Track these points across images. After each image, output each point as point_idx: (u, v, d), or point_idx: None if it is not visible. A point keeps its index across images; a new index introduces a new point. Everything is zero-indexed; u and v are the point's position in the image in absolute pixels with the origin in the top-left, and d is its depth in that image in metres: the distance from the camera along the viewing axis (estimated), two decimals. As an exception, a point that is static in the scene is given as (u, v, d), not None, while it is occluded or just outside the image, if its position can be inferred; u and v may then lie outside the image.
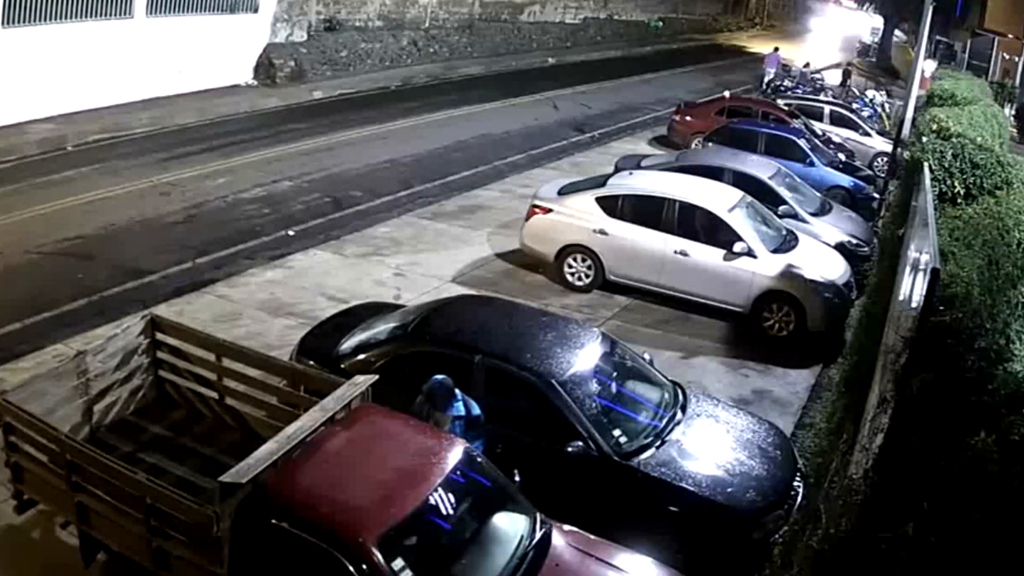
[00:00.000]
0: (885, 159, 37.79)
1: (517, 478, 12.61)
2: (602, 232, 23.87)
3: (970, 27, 74.58)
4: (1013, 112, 55.93)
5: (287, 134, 39.20)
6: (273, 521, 10.52)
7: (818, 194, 29.25)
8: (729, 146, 32.87)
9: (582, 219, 24.18)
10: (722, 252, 22.70)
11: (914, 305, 12.64)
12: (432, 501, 11.11)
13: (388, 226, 28.72)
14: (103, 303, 21.65)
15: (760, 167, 28.13)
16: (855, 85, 60.33)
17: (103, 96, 39.18)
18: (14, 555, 13.47)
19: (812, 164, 33.06)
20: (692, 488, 13.78)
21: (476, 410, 13.62)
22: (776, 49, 62.94)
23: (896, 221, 23.40)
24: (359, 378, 12.88)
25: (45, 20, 36.68)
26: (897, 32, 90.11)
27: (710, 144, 35.69)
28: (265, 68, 48.43)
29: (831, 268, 23.03)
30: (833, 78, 64.28)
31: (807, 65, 62.87)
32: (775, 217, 24.96)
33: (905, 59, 73.12)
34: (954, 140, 22.59)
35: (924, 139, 23.71)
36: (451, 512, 11.36)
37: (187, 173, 32.30)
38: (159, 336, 14.89)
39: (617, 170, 29.45)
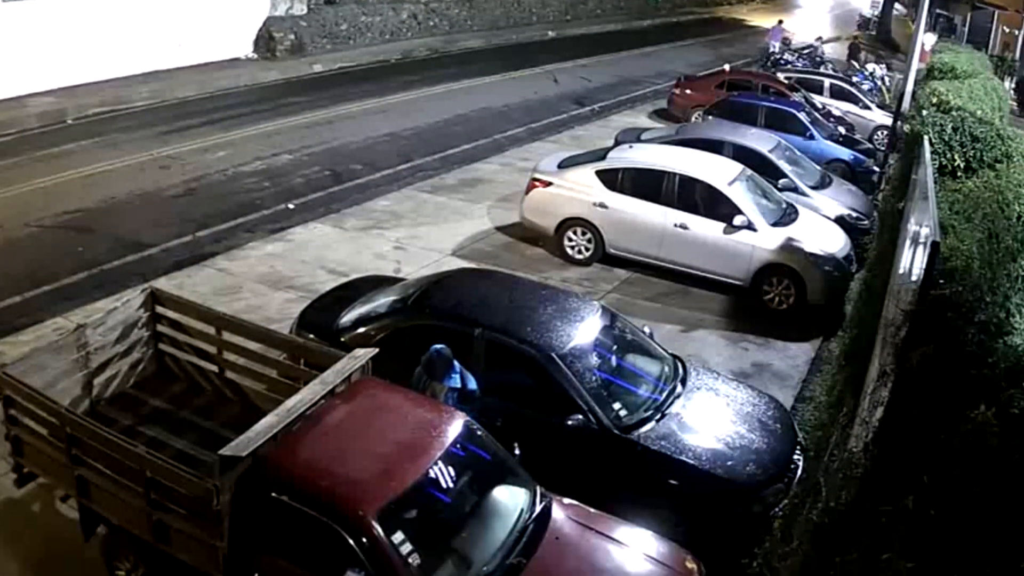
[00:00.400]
0: (885, 132, 37.71)
1: (517, 451, 12.64)
2: (602, 205, 23.87)
3: (970, 0, 74.49)
4: (1013, 85, 55.88)
5: (287, 107, 39.27)
6: (273, 494, 10.54)
7: (818, 167, 29.19)
8: (729, 119, 32.78)
9: (582, 192, 24.18)
10: (722, 225, 22.68)
11: (914, 278, 12.64)
12: (432, 474, 11.14)
13: (388, 199, 28.76)
14: (103, 276, 21.72)
15: (760, 140, 28.10)
16: (860, 59, 60.05)
17: (103, 69, 39.30)
18: (14, 529, 13.55)
19: (812, 137, 33.01)
20: (692, 461, 13.80)
21: (472, 384, 13.64)
22: (780, 22, 62.68)
23: (896, 194, 23.39)
24: (359, 351, 12.89)
25: (45, -7, 36.73)
26: (897, 5, 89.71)
27: (710, 117, 35.59)
28: (265, 41, 48.42)
29: (831, 241, 23.04)
30: (834, 52, 63.91)
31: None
32: (775, 190, 24.94)
33: (905, 32, 72.83)
34: (954, 113, 22.58)
35: (924, 112, 23.70)
36: (451, 485, 11.40)
37: (187, 146, 32.38)
38: (159, 309, 14.90)
39: (617, 143, 29.42)
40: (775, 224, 22.87)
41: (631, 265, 24.20)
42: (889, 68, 55.74)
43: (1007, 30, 68.80)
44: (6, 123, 33.17)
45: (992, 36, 70.61)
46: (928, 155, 19.46)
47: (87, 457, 11.67)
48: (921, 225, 13.87)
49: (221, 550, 10.68)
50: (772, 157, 27.02)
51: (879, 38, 79.44)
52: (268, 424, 10.94)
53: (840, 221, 25.12)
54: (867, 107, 42.37)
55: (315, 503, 10.41)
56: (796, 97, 38.20)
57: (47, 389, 12.64)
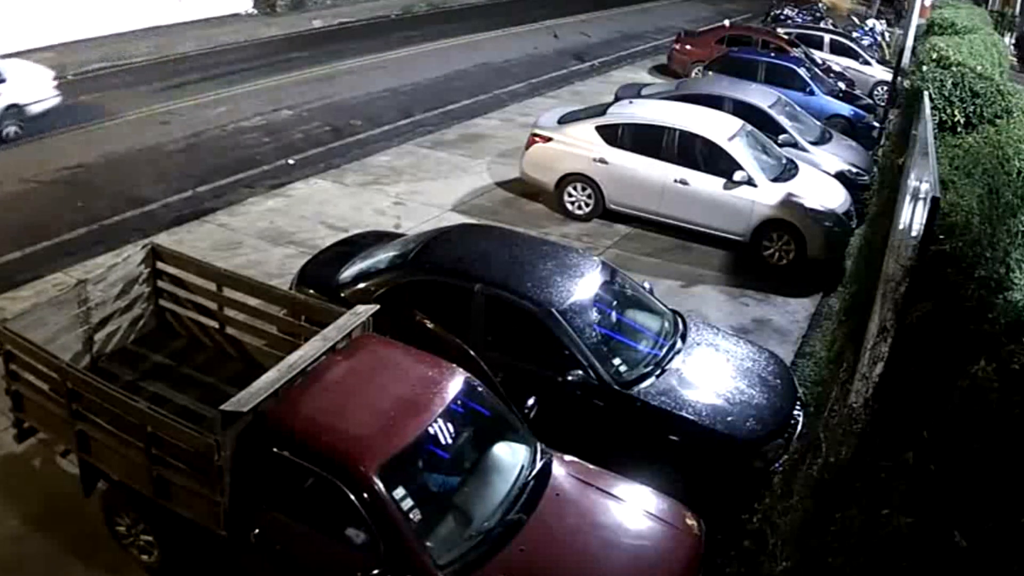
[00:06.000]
0: (885, 88, 37.59)
1: (531, 402, 12.82)
2: (602, 161, 23.88)
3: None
4: (1013, 41, 55.78)
5: (287, 63, 39.34)
6: (274, 450, 10.56)
7: (818, 123, 29.19)
8: (729, 75, 32.74)
9: (582, 148, 24.18)
10: (722, 181, 22.71)
11: (914, 234, 12.63)
12: (433, 431, 11.17)
13: (388, 155, 28.82)
14: (103, 232, 21.80)
15: (760, 96, 28.05)
16: (862, 15, 59.80)
17: (104, 25, 39.42)
18: (14, 484, 13.63)
19: (812, 93, 33.00)
20: (692, 417, 13.82)
21: None
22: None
23: (896, 150, 23.35)
24: (360, 308, 12.87)
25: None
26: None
27: (710, 73, 35.56)
28: (265, -4, 48.35)
29: (831, 197, 23.03)
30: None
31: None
32: (775, 146, 24.94)
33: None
34: (954, 69, 22.50)
35: (924, 68, 23.61)
36: (452, 442, 11.45)
37: (187, 102, 32.45)
38: (160, 265, 14.88)
39: (617, 99, 29.43)
40: (775, 180, 22.88)
41: (631, 220, 24.22)
42: (889, 24, 55.61)
43: (1007, -15, 68.56)
44: (6, 78, 33.18)
45: (993, -9, 70.39)
46: (928, 111, 19.42)
47: (88, 412, 11.68)
48: (921, 181, 13.85)
49: (222, 505, 10.71)
50: (772, 112, 27.02)
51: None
52: (269, 380, 10.95)
53: (840, 177, 25.11)
54: (867, 63, 42.32)
55: (316, 458, 10.44)
56: (796, 52, 38.16)
57: (48, 344, 12.65)
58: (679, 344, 15.39)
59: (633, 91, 31.36)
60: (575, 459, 12.29)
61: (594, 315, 15.03)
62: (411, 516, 10.27)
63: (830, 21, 53.47)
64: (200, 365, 14.61)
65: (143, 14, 41.47)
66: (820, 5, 58.39)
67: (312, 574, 10.83)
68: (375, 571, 10.06)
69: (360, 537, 10.32)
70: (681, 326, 15.94)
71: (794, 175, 23.44)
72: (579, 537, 11.22)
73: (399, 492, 10.28)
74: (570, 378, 13.98)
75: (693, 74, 39.16)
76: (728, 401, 14.32)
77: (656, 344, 15.25)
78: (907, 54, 32.41)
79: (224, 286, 14.55)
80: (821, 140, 27.53)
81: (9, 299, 18.17)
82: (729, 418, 14.00)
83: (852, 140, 29.56)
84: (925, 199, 12.35)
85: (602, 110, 25.63)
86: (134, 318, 14.84)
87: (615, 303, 15.81)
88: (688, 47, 42.72)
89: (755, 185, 22.47)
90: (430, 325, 13.63)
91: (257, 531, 10.76)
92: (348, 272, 16.19)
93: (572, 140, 24.42)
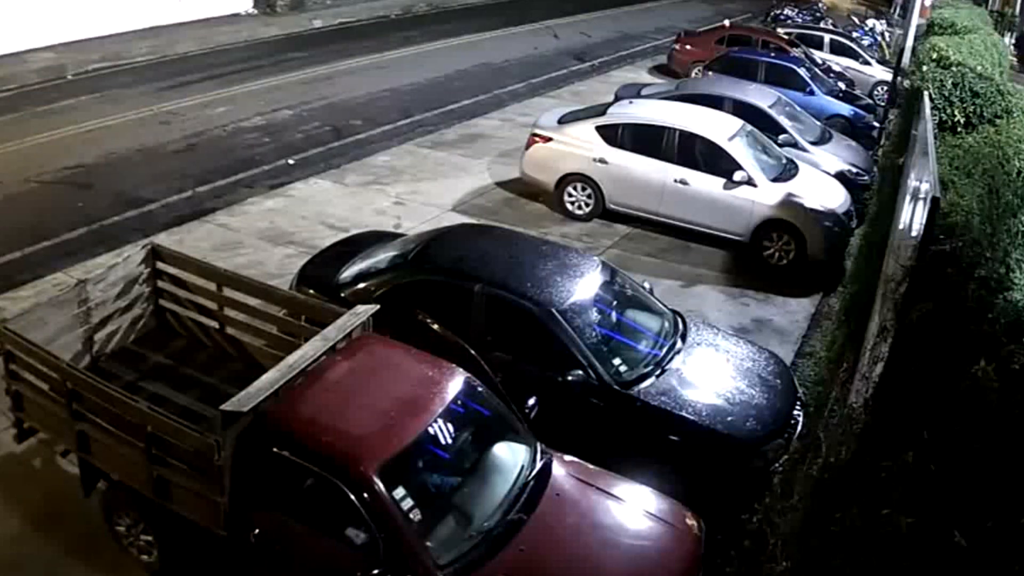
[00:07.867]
0: (885, 88, 37.57)
1: (532, 401, 12.84)
2: (602, 161, 23.87)
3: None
4: (1013, 41, 55.76)
5: (287, 63, 39.30)
6: (274, 450, 10.55)
7: (818, 123, 29.15)
8: (729, 75, 32.78)
9: (582, 148, 24.17)
10: (722, 181, 22.69)
11: (914, 234, 12.63)
12: (433, 431, 11.16)
13: (388, 155, 28.80)
14: (103, 232, 21.77)
15: (760, 96, 28.02)
16: (860, 15, 59.78)
17: (103, 25, 39.40)
18: (14, 484, 13.60)
19: (812, 93, 32.99)
20: (692, 417, 13.81)
21: None
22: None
23: (896, 150, 23.36)
24: (360, 308, 12.86)
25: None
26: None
27: (710, 73, 35.58)
28: (265, -4, 48.34)
29: (831, 197, 23.02)
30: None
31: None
32: (775, 146, 24.92)
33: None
34: (954, 69, 22.51)
35: (924, 68, 23.62)
36: (452, 442, 11.42)
37: (187, 102, 32.41)
38: (160, 265, 14.87)
39: (617, 99, 29.40)
40: (775, 179, 22.88)
41: (631, 221, 24.22)
42: (889, 24, 55.60)
43: (1007, -15, 68.48)
44: (6, 78, 33.22)
45: (993, -9, 70.30)
46: (928, 110, 19.43)
47: (88, 412, 11.67)
48: (921, 180, 13.85)
49: (222, 505, 10.71)
50: (772, 112, 27.00)
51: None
52: (269, 380, 10.94)
53: (840, 176, 25.08)
54: (867, 62, 42.33)
55: (316, 458, 10.42)
56: (796, 52, 38.18)
57: (48, 344, 12.65)
58: (679, 344, 15.37)
59: (633, 91, 31.34)
60: (575, 459, 12.28)
61: (594, 315, 15.02)
62: (411, 516, 10.26)
63: (830, 21, 53.43)
64: (200, 365, 14.60)
65: (143, 14, 41.47)
66: (820, 5, 58.33)
67: (312, 574, 10.83)
68: (375, 571, 10.05)
69: (360, 537, 10.30)
70: (681, 326, 15.92)
71: (794, 175, 23.43)
72: (579, 537, 11.22)
73: (399, 492, 10.26)
74: (570, 378, 13.96)
75: (693, 74, 39.15)
76: (728, 401, 14.30)
77: (656, 344, 15.23)
78: (907, 54, 32.41)
79: (224, 286, 14.55)
80: (821, 140, 27.51)
81: (9, 299, 18.16)
82: (729, 418, 13.98)
83: (852, 140, 29.53)
84: (925, 199, 12.36)
85: (602, 110, 25.60)
86: (134, 318, 14.84)
87: (615, 303, 15.79)
88: (688, 47, 42.70)
89: (755, 185, 22.45)
90: (433, 324, 13.63)
91: (257, 531, 10.75)
92: (348, 272, 16.18)
93: (572, 140, 24.42)
